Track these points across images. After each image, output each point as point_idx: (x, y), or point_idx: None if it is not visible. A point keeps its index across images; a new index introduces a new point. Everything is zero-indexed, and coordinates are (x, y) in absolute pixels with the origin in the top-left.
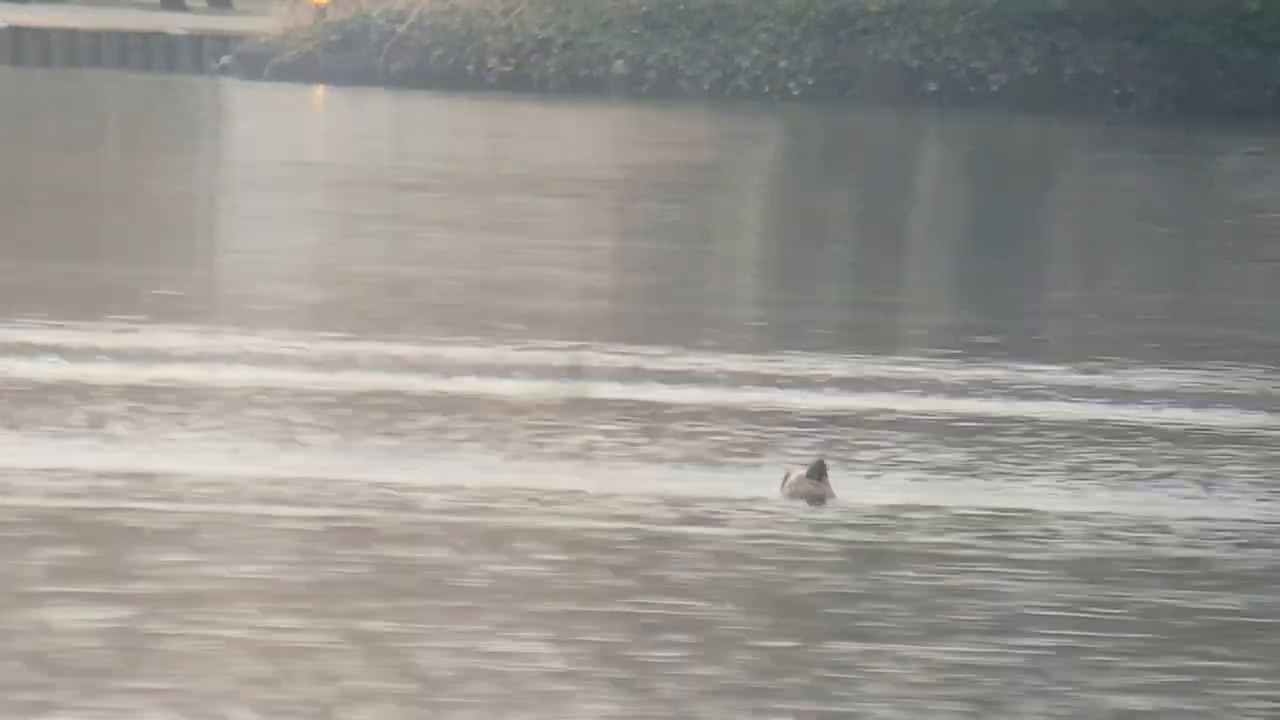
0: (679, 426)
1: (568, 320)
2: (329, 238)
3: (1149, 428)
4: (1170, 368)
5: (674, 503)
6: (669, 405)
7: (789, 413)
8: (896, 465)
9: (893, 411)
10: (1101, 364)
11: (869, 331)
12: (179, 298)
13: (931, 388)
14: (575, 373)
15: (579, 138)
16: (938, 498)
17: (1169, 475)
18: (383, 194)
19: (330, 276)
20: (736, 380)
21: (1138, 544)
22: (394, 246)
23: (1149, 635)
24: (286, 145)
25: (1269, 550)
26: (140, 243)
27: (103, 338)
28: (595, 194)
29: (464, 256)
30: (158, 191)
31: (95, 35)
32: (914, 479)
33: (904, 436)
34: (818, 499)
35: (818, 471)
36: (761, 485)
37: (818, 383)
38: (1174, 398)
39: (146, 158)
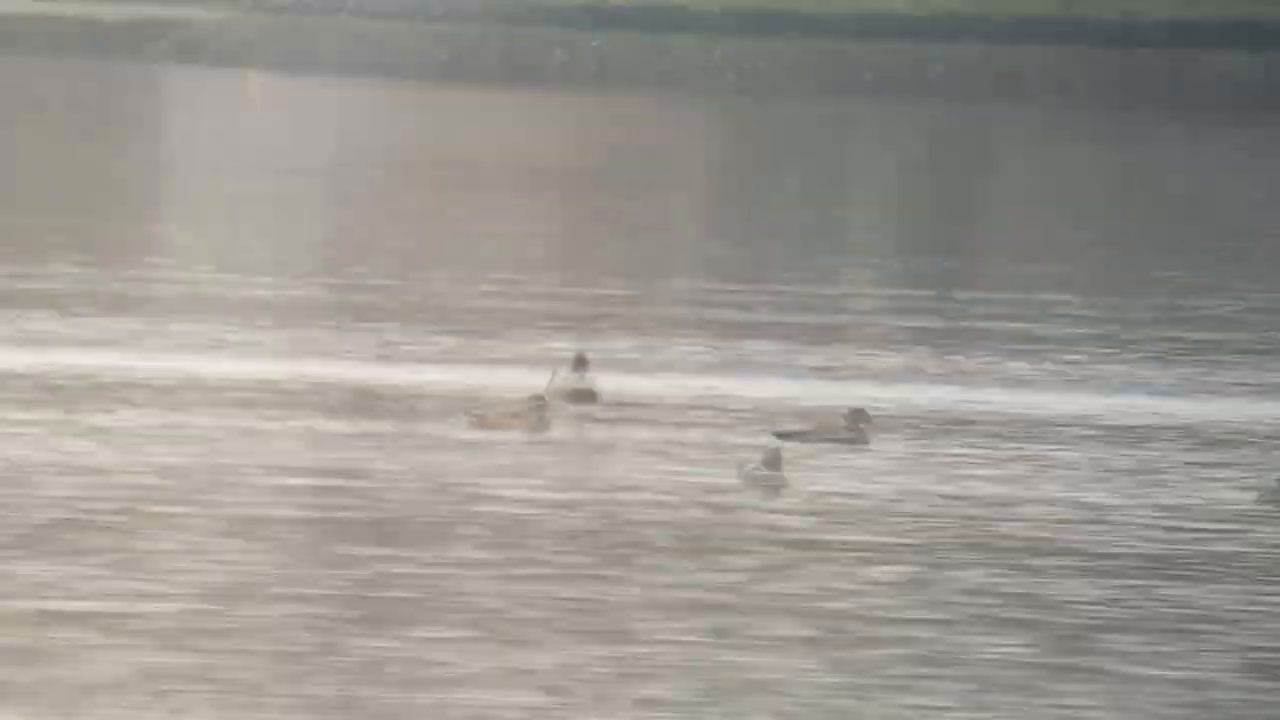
0: (636, 416)
1: (514, 313)
2: (261, 225)
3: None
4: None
5: (635, 491)
6: (626, 395)
7: (746, 402)
8: (857, 455)
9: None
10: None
11: (820, 323)
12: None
13: (892, 378)
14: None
15: (517, 125)
16: (897, 487)
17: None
18: (313, 181)
19: (263, 267)
20: (692, 370)
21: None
22: (326, 233)
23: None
24: (220, 132)
25: None
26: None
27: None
28: (531, 182)
29: (398, 244)
30: (84, 177)
31: (26, 20)
32: (872, 468)
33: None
34: (773, 487)
35: (773, 460)
36: (718, 474)
37: (778, 372)
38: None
39: (71, 145)
